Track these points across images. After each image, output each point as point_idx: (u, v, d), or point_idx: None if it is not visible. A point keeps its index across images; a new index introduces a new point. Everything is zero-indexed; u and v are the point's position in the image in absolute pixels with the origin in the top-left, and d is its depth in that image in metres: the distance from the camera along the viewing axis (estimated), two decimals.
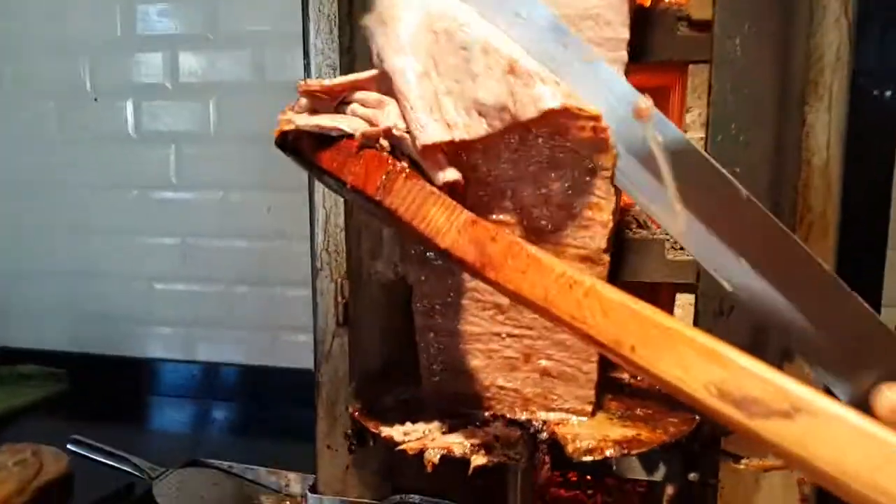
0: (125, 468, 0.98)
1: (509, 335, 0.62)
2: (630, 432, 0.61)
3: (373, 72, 0.52)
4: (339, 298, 0.81)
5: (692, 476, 0.72)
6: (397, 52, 0.50)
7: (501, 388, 0.64)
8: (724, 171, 0.48)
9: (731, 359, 0.38)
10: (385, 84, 0.51)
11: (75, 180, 1.48)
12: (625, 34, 0.57)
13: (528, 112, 0.49)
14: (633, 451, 0.59)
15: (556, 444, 0.60)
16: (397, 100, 0.50)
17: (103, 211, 1.48)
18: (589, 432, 0.61)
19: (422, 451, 0.59)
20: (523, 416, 0.64)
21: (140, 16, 1.39)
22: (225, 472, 1.02)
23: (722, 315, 0.67)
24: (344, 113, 0.53)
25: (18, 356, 1.54)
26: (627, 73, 0.58)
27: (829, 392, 0.38)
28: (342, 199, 0.77)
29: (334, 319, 0.82)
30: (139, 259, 1.48)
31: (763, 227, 0.47)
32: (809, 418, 0.35)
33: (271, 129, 0.52)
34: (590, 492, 0.94)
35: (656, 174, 0.50)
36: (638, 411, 0.66)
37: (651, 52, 0.66)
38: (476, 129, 0.51)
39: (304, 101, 0.53)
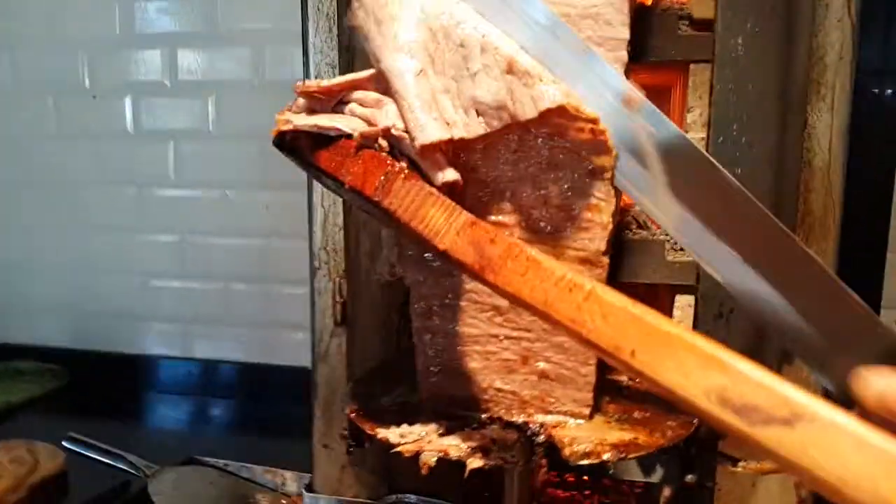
0: (121, 466, 0.98)
1: (507, 337, 0.62)
2: (627, 436, 0.61)
3: (370, 71, 0.51)
4: (338, 298, 0.81)
5: (689, 478, 0.71)
6: (394, 51, 0.49)
7: (499, 390, 0.64)
8: (716, 163, 0.48)
9: (731, 365, 0.37)
10: (383, 83, 0.51)
11: (74, 177, 1.47)
12: (625, 34, 0.56)
13: (527, 112, 0.49)
14: (631, 456, 0.58)
15: (552, 447, 0.60)
16: (395, 99, 0.50)
17: (102, 208, 1.47)
18: (586, 435, 0.60)
19: (418, 454, 0.59)
20: (520, 419, 0.64)
21: (139, 13, 1.38)
22: (221, 471, 1.02)
23: (721, 317, 0.67)
24: (342, 112, 0.52)
25: (15, 352, 1.53)
26: (628, 72, 0.58)
27: (829, 398, 0.37)
28: (341, 199, 0.77)
29: (332, 319, 0.82)
30: (137, 256, 1.47)
31: (755, 220, 0.47)
32: (810, 426, 0.35)
33: (270, 127, 0.52)
34: (586, 492, 0.94)
35: (646, 166, 0.49)
36: (636, 414, 0.65)
37: (652, 51, 0.66)
38: (475, 128, 0.51)
39: (301, 100, 0.53)
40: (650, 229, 0.69)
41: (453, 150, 0.52)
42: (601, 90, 0.50)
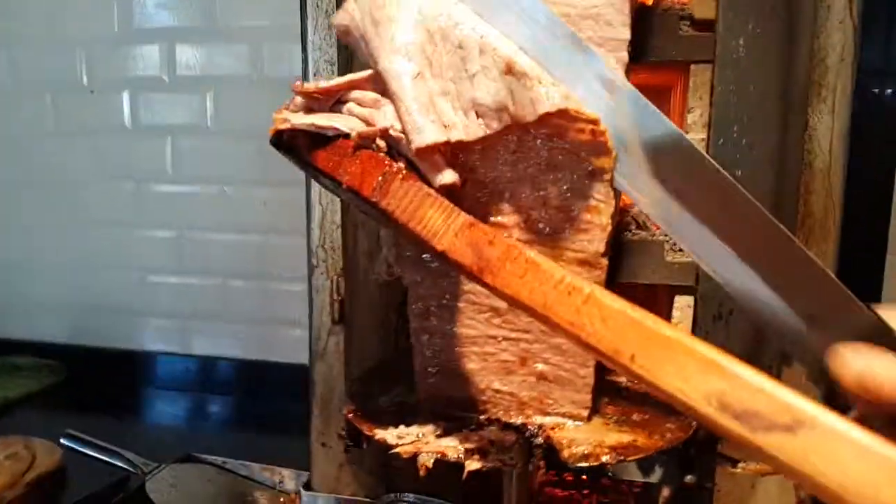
0: (119, 463, 0.98)
1: (505, 338, 0.62)
2: (626, 438, 0.60)
3: (369, 72, 0.51)
4: (335, 296, 0.81)
5: (688, 478, 0.71)
6: (391, 53, 0.49)
7: (497, 391, 0.63)
8: (703, 152, 0.47)
9: (732, 370, 0.37)
10: (381, 84, 0.50)
11: (71, 173, 1.47)
12: (626, 34, 0.56)
13: (527, 114, 0.48)
14: (629, 459, 0.58)
15: (551, 449, 0.60)
16: (392, 101, 0.50)
17: (99, 203, 1.47)
18: (585, 437, 0.60)
19: (416, 455, 0.58)
20: (519, 420, 0.63)
21: (137, 8, 1.38)
22: (219, 468, 1.02)
23: (721, 319, 0.67)
24: (340, 112, 0.52)
25: (13, 347, 1.53)
26: (628, 72, 0.57)
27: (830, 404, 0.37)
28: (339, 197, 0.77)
29: (330, 317, 0.82)
30: (135, 251, 1.47)
31: (739, 204, 0.45)
32: (812, 433, 0.34)
33: (268, 124, 0.52)
34: (585, 491, 0.94)
35: (630, 152, 0.49)
36: (635, 416, 0.65)
37: (653, 51, 0.65)
38: (474, 130, 0.50)
39: (299, 99, 0.52)
40: (649, 230, 0.69)
41: (451, 151, 0.52)
42: (594, 85, 0.49)
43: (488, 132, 0.50)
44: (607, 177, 0.53)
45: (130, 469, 0.97)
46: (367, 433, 0.63)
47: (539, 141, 0.53)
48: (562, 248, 0.57)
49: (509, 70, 0.48)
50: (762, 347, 0.66)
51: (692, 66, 0.67)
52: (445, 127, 0.49)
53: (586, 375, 0.62)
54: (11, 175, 1.51)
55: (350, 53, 0.75)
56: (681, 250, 0.67)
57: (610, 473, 0.74)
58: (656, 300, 0.74)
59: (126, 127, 1.42)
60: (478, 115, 0.50)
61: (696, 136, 0.66)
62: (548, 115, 0.48)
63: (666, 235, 0.67)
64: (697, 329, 0.68)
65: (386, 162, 0.49)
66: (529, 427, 0.62)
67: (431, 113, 0.49)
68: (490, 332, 0.62)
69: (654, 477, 0.73)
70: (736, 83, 0.63)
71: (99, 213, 1.47)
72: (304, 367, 0.86)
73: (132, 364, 1.49)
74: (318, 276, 0.81)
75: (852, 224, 0.69)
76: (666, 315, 0.70)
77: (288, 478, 1.00)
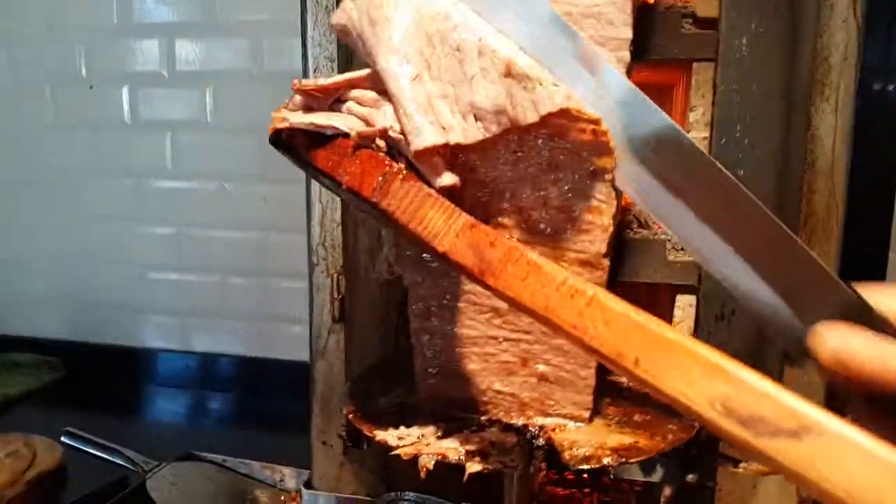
0: (119, 461, 0.98)
1: (506, 339, 0.61)
2: (628, 440, 0.60)
3: (368, 70, 0.50)
4: (335, 294, 0.80)
5: (690, 478, 0.71)
6: (389, 53, 0.48)
7: (498, 392, 0.63)
8: (703, 150, 0.46)
9: (737, 375, 0.37)
10: (380, 83, 0.50)
11: (71, 168, 1.47)
12: (627, 34, 0.55)
13: (529, 116, 0.48)
14: (631, 460, 0.58)
15: (552, 451, 0.59)
16: (391, 101, 0.49)
17: (99, 199, 1.47)
18: (586, 439, 0.60)
19: (416, 456, 0.58)
20: (520, 421, 0.63)
21: (137, 3, 1.37)
22: (219, 467, 1.02)
23: (723, 319, 0.66)
24: (339, 111, 0.51)
25: (12, 344, 1.53)
26: (630, 71, 0.57)
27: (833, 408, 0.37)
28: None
29: (330, 315, 0.81)
30: (135, 248, 1.47)
31: (740, 204, 0.45)
32: (817, 439, 0.34)
33: (268, 119, 0.51)
34: (586, 490, 0.94)
35: (632, 151, 0.48)
36: (636, 417, 0.65)
37: (655, 49, 0.65)
38: (472, 133, 0.49)
39: (298, 98, 0.52)
40: (651, 228, 0.68)
41: (451, 151, 0.51)
42: (595, 84, 0.49)
43: (487, 136, 0.49)
44: (609, 177, 0.52)
45: (131, 467, 0.97)
46: (368, 434, 0.63)
47: (540, 141, 0.53)
48: (563, 248, 0.56)
49: (509, 72, 0.47)
50: (764, 347, 0.66)
51: (694, 65, 0.67)
52: (444, 129, 0.49)
53: (587, 376, 0.61)
54: (11, 171, 1.51)
55: (350, 51, 0.75)
56: (682, 249, 0.67)
57: (611, 474, 0.74)
58: (658, 299, 0.74)
59: (125, 122, 1.42)
60: (476, 119, 0.49)
61: (698, 135, 0.66)
62: (549, 115, 0.48)
63: (667, 235, 0.67)
64: (699, 329, 0.67)
65: (386, 162, 0.49)
66: (530, 428, 0.62)
67: (430, 114, 0.49)
68: (491, 333, 0.62)
69: (656, 476, 0.72)
70: (739, 82, 0.62)
71: (98, 208, 1.47)
72: (304, 363, 0.86)
73: (132, 361, 1.49)
74: (319, 275, 0.81)
75: (855, 221, 0.69)
76: (668, 314, 0.70)
77: (288, 476, 1.00)
